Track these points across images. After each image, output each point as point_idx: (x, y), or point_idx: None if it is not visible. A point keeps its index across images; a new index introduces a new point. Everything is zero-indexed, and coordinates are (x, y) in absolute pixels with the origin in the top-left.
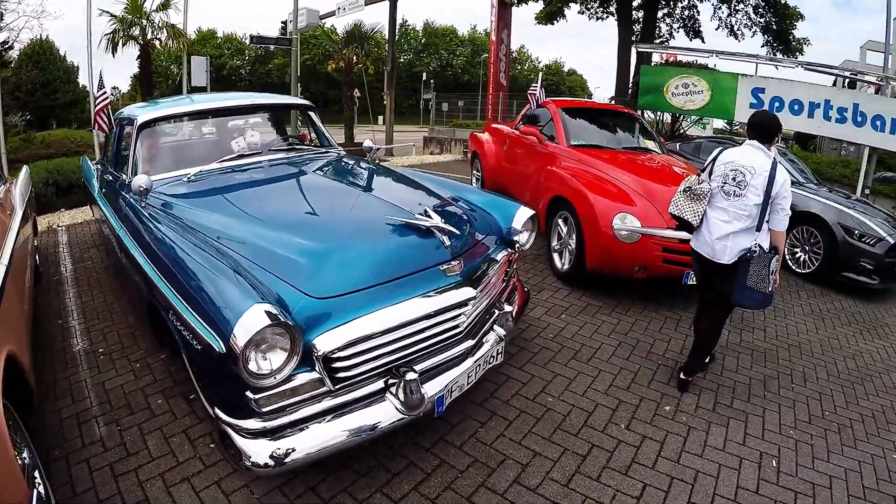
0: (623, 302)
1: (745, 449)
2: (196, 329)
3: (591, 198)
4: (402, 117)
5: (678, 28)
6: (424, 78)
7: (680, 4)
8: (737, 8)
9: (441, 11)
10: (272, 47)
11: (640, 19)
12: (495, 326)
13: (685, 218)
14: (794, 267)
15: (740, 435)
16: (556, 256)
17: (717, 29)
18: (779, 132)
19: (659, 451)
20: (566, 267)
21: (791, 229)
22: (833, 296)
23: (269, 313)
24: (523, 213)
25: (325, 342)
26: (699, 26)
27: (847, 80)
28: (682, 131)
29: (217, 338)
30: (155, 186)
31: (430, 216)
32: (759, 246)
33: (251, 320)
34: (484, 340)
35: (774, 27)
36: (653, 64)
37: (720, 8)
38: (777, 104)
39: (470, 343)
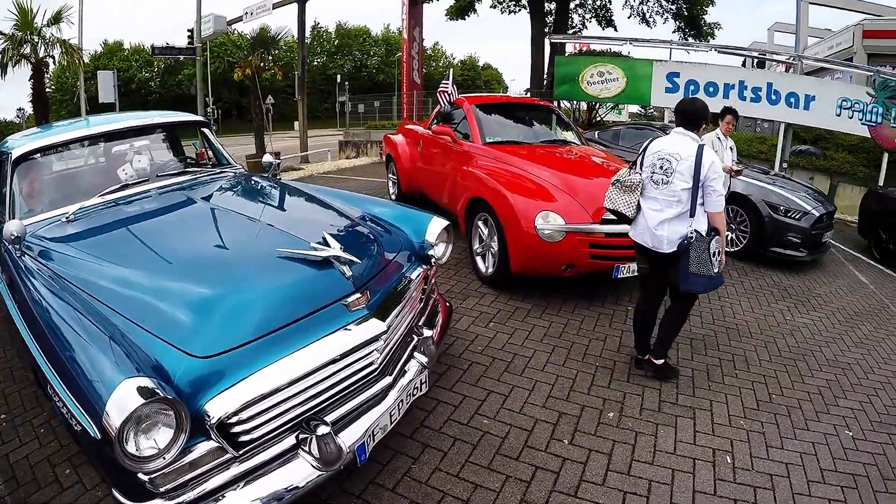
0: (553, 302)
1: (697, 448)
2: (70, 408)
3: (510, 198)
4: (319, 121)
5: (590, 18)
6: (339, 80)
7: None
8: None
9: (352, 11)
10: (181, 58)
11: (553, 11)
12: (416, 354)
13: (620, 210)
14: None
15: (690, 433)
16: (479, 260)
17: (629, 17)
18: (704, 118)
19: (607, 465)
20: (490, 270)
21: None
22: (763, 271)
23: (142, 389)
24: (436, 225)
25: (216, 408)
26: (611, 15)
27: (756, 61)
28: (598, 119)
29: (90, 420)
30: (33, 230)
31: (327, 244)
32: (696, 231)
33: (122, 399)
34: (406, 368)
35: (685, 13)
36: (566, 55)
37: None
38: (692, 87)
39: (387, 380)
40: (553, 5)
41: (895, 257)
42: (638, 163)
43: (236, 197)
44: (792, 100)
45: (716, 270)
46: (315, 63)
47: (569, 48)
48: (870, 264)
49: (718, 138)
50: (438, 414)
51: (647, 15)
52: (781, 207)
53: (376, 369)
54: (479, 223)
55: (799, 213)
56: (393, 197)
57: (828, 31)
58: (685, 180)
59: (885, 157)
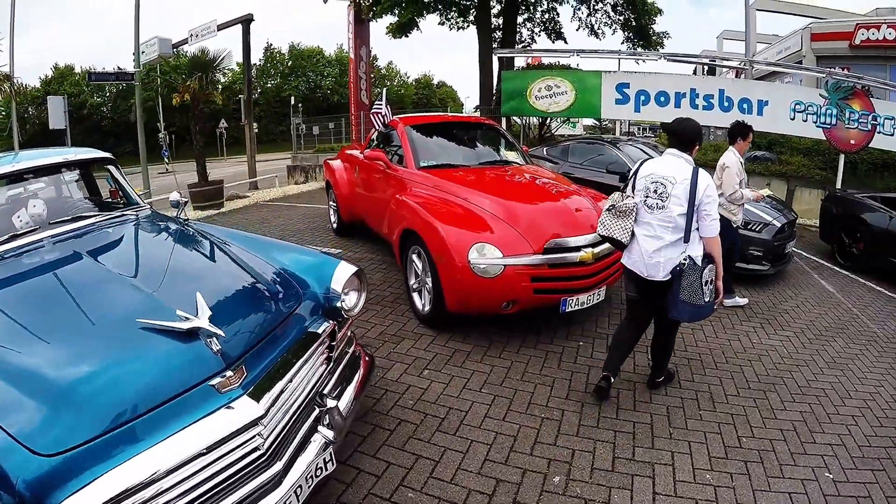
0: (496, 341)
1: None
2: None
3: (441, 229)
4: (274, 145)
5: (539, 32)
6: (293, 102)
7: (540, 8)
8: (596, 7)
9: (305, 32)
10: (122, 84)
11: (500, 26)
12: (320, 428)
13: (614, 237)
14: None
15: (648, 496)
16: (415, 296)
17: (577, 30)
18: (698, 138)
19: None
20: (427, 308)
21: None
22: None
23: None
24: (343, 271)
25: None
26: (560, 28)
27: (706, 69)
28: (550, 134)
29: None
30: None
31: (196, 311)
32: (689, 258)
33: None
34: (310, 439)
35: (634, 23)
36: (516, 69)
37: (579, 9)
38: (643, 97)
39: (279, 467)
40: (500, 20)
41: (859, 261)
42: (630, 186)
43: (124, 248)
44: (745, 106)
45: (706, 300)
46: (269, 85)
47: (520, 62)
48: (835, 271)
49: (741, 162)
50: (357, 487)
51: (596, 26)
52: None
53: (264, 454)
54: (413, 256)
55: (759, 224)
56: (334, 226)
57: (776, 36)
58: (681, 204)
59: (842, 158)
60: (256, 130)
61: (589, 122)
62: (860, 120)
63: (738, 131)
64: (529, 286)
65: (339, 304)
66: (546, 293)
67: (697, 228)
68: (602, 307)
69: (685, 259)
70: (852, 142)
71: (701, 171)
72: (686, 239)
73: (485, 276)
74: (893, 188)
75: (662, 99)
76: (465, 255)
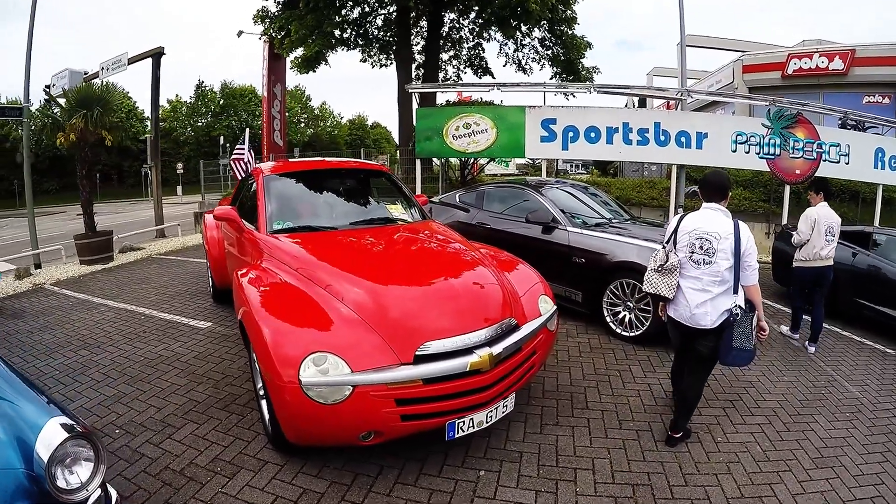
0: (362, 475)
1: None
2: None
3: (265, 332)
4: (210, 186)
5: (465, 68)
6: (222, 142)
7: (466, 45)
8: (523, 42)
9: (237, 71)
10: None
11: (422, 63)
12: None
13: (662, 294)
14: (617, 329)
15: None
16: (263, 405)
17: (504, 66)
18: (730, 186)
19: None
20: (273, 427)
21: (608, 284)
22: (669, 357)
23: None
24: (54, 433)
25: None
26: (486, 64)
27: (638, 102)
28: (472, 176)
29: None
30: None
31: None
32: (740, 307)
33: None
34: None
35: (563, 58)
36: (438, 107)
37: (506, 44)
38: (571, 134)
39: None
40: (423, 57)
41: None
42: (671, 242)
43: None
44: (683, 139)
45: (753, 343)
46: (199, 124)
47: (449, 99)
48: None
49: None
50: None
51: (524, 62)
52: None
53: None
54: (255, 356)
55: None
56: (211, 291)
57: (705, 72)
58: (728, 259)
59: (787, 190)
60: (182, 171)
61: (523, 160)
62: (805, 149)
63: (820, 187)
64: (394, 412)
65: (57, 484)
66: (420, 419)
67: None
68: (519, 409)
69: (737, 309)
70: (797, 171)
71: (741, 224)
72: (735, 290)
73: (324, 401)
74: (840, 217)
75: (593, 135)
76: (296, 370)
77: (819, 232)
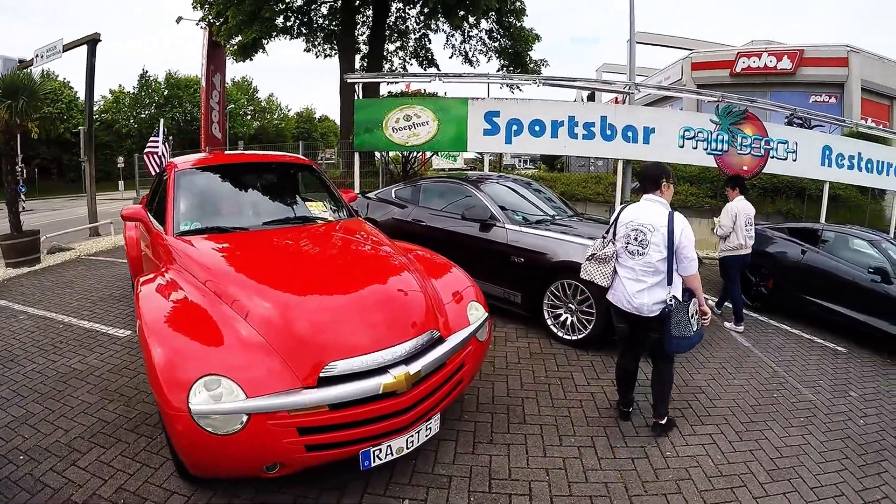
0: None
1: None
2: None
3: (154, 351)
4: (148, 179)
5: (411, 60)
6: (167, 133)
7: (412, 36)
8: (470, 34)
9: (183, 60)
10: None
11: (367, 54)
12: None
13: (596, 281)
14: (559, 333)
15: None
16: None
17: (451, 57)
18: (663, 173)
19: None
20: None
21: (549, 285)
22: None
23: None
24: None
25: None
26: (432, 56)
27: (587, 96)
28: (414, 171)
29: None
30: None
31: None
32: (675, 298)
33: None
34: None
35: (510, 50)
36: (380, 98)
37: (453, 35)
38: (515, 127)
39: None
40: (368, 48)
41: (770, 301)
42: (611, 233)
43: None
44: (630, 133)
45: (694, 329)
46: (143, 115)
47: (386, 94)
48: (745, 315)
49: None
50: None
51: (471, 54)
52: None
53: None
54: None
55: None
56: (134, 296)
57: (654, 69)
58: (660, 251)
59: None
60: (122, 165)
61: (471, 154)
62: (752, 145)
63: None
64: (297, 442)
65: None
66: (328, 448)
67: (677, 270)
68: (450, 426)
69: (671, 300)
70: (745, 168)
71: (676, 215)
72: (669, 282)
73: (218, 432)
74: (786, 213)
75: (537, 128)
76: (185, 397)
77: (740, 224)
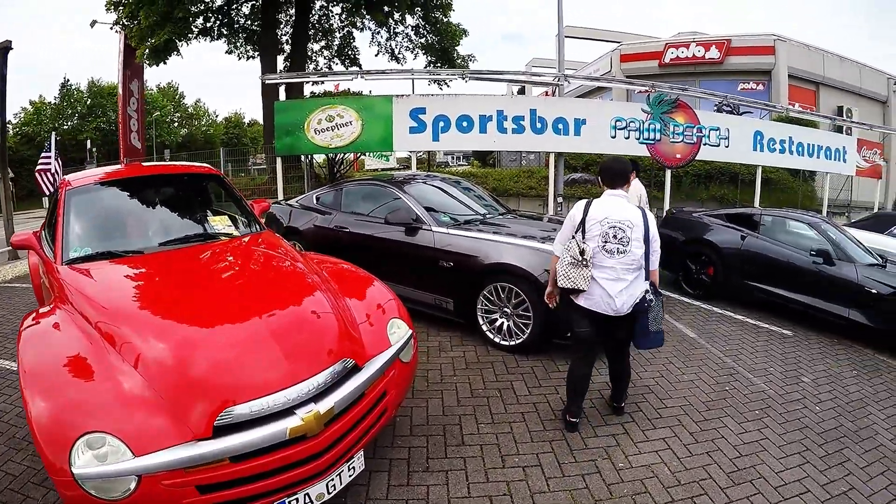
0: None
1: None
2: None
3: (31, 406)
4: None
5: (335, 59)
6: (89, 145)
7: (337, 35)
8: (396, 31)
9: (106, 68)
10: None
11: (290, 55)
12: None
13: (579, 287)
14: (495, 338)
15: None
16: None
17: (377, 55)
18: (632, 169)
19: None
20: None
21: (482, 289)
22: (555, 362)
23: None
24: None
25: None
26: (357, 55)
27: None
28: (341, 174)
29: None
30: None
31: None
32: (651, 292)
33: None
34: None
35: (437, 46)
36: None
37: (378, 32)
38: (442, 124)
39: None
40: (291, 48)
41: (711, 289)
42: (579, 231)
43: None
44: (560, 126)
45: (662, 325)
46: (66, 126)
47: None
48: (686, 305)
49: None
50: None
51: (397, 51)
52: None
53: None
54: None
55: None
56: None
57: (582, 63)
58: (641, 245)
59: (668, 174)
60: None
61: (403, 153)
62: (685, 133)
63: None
64: (199, 501)
65: None
66: None
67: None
68: (382, 455)
69: (650, 295)
70: (678, 156)
71: (646, 210)
72: (647, 276)
73: (107, 496)
74: (720, 199)
75: (465, 124)
76: (67, 457)
77: (644, 203)
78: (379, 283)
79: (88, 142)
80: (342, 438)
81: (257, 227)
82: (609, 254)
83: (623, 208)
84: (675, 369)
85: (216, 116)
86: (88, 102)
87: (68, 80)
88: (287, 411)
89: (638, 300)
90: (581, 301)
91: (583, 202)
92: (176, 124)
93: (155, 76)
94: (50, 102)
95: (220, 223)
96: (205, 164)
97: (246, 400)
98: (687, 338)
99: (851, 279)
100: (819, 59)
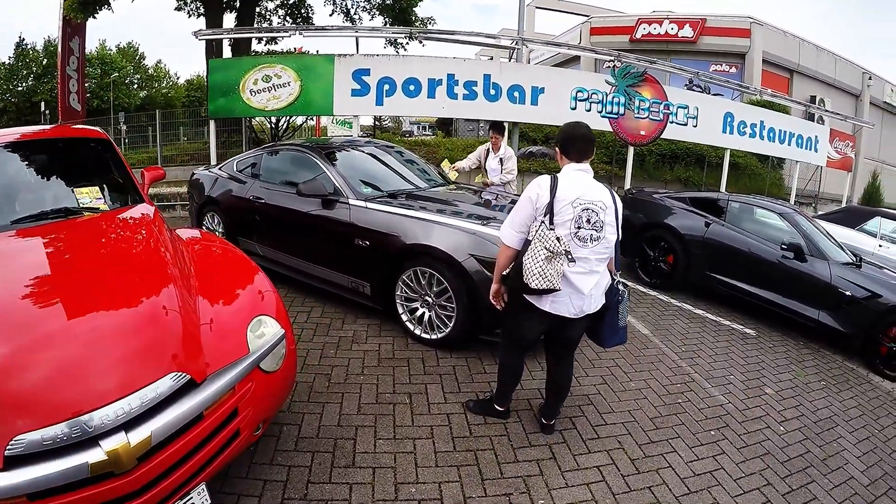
0: None
1: None
2: None
3: None
4: None
5: (286, 16)
6: (43, 108)
7: None
8: None
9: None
10: None
11: (239, 11)
12: None
13: (555, 287)
14: (416, 330)
15: None
16: None
17: (331, 15)
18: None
19: None
20: None
21: (401, 272)
22: (482, 378)
23: None
24: None
25: None
26: (311, 14)
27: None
28: (287, 136)
29: None
30: None
31: None
32: (622, 283)
33: None
34: None
35: (394, 7)
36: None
37: None
38: (388, 87)
39: None
40: (239, 3)
41: (670, 278)
42: (546, 215)
43: None
44: (516, 94)
45: None
46: (20, 88)
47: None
48: (642, 294)
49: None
50: None
51: (353, 11)
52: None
53: None
54: None
55: None
56: None
57: (552, 35)
58: (614, 231)
59: (630, 151)
60: None
61: (368, 120)
62: (651, 109)
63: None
64: None
65: None
66: None
67: None
68: (255, 475)
69: (622, 287)
70: (642, 132)
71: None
72: (617, 265)
73: None
74: (685, 180)
75: (412, 87)
76: None
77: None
78: (261, 274)
79: (42, 104)
80: (170, 472)
81: (137, 199)
82: (582, 241)
83: (595, 187)
84: (621, 374)
85: (178, 79)
86: (45, 62)
87: (24, 40)
88: (90, 440)
89: (606, 292)
90: (548, 307)
91: (545, 179)
92: (136, 86)
93: (116, 36)
94: (4, 63)
95: (88, 195)
96: (93, 128)
97: (38, 427)
98: (639, 335)
99: (824, 278)
100: (795, 46)
